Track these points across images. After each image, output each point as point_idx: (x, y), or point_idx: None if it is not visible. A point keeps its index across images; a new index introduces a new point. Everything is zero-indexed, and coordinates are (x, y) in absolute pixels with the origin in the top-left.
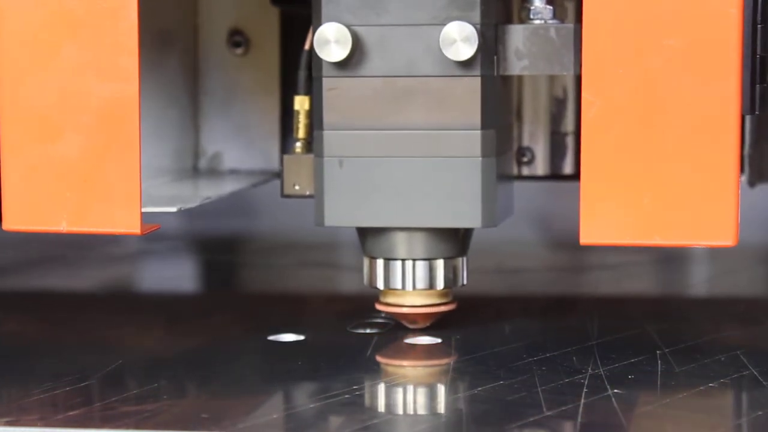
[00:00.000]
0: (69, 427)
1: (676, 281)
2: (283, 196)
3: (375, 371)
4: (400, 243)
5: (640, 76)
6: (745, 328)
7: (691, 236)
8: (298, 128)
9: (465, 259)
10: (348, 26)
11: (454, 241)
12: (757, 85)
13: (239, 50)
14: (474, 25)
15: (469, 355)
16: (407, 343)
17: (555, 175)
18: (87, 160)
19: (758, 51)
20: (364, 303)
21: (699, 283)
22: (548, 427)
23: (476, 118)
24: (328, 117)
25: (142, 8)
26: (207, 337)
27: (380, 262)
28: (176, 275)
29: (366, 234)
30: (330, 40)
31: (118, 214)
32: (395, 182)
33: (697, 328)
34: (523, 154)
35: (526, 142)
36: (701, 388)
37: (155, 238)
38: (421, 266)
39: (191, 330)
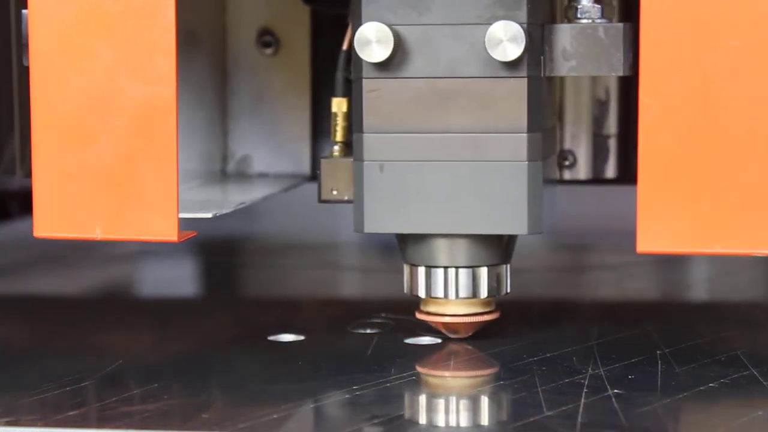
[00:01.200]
0: (69, 427)
1: (677, 281)
2: (321, 201)
3: (375, 371)
4: (442, 250)
5: (700, 77)
6: (745, 329)
7: (753, 244)
8: (335, 131)
9: (509, 266)
10: (389, 26)
11: (498, 248)
12: None
13: (269, 50)
14: (520, 24)
15: (470, 355)
16: (407, 344)
17: (597, 179)
18: (122, 164)
19: None
20: (365, 303)
21: (699, 283)
22: (548, 427)
23: (522, 121)
24: (368, 119)
25: None
26: (207, 338)
27: (421, 270)
28: (176, 275)
29: (407, 240)
30: (371, 40)
31: (154, 221)
32: (437, 187)
33: (697, 329)
34: (565, 158)
35: (567, 145)
36: (701, 388)
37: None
38: (463, 274)
39: (191, 330)
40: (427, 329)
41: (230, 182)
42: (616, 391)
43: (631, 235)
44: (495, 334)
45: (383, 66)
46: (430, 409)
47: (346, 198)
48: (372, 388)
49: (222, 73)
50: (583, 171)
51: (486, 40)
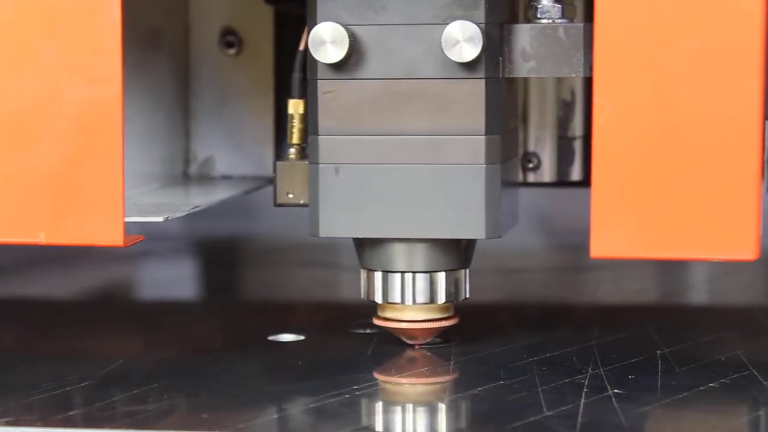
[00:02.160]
0: (69, 427)
1: (676, 282)
2: (276, 204)
3: (375, 371)
4: (399, 255)
5: (656, 78)
6: (745, 329)
7: (708, 250)
8: (292, 133)
9: (467, 271)
10: (345, 26)
11: (456, 253)
12: None
13: (232, 51)
14: (478, 24)
15: (470, 355)
16: (407, 344)
17: (562, 181)
18: (66, 168)
19: None
20: (364, 303)
21: (699, 283)
22: (548, 427)
23: (480, 123)
24: (323, 121)
25: (128, 7)
26: (207, 338)
27: (378, 275)
28: (176, 276)
29: (363, 245)
30: (326, 41)
31: (99, 226)
32: (394, 191)
33: (697, 329)
34: (529, 160)
35: (532, 147)
36: (701, 388)
37: (155, 239)
38: (421, 279)
39: (191, 330)
40: None
41: (192, 185)
42: (616, 391)
43: None
44: (495, 335)
45: (339, 67)
46: (429, 408)
47: (302, 201)
48: (372, 388)
49: (184, 73)
50: (547, 173)
51: (442, 40)
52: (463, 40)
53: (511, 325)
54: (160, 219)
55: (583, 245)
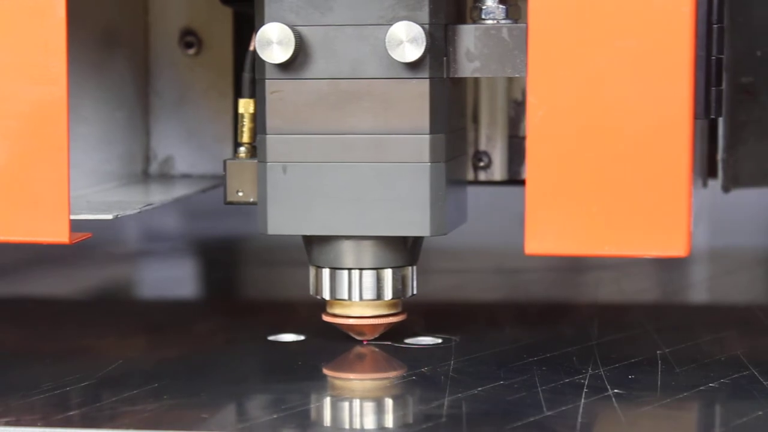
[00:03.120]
0: (69, 427)
1: (676, 282)
2: (227, 203)
3: (376, 371)
4: (347, 252)
5: (588, 78)
6: (745, 329)
7: (641, 247)
8: (242, 132)
9: (414, 268)
10: (291, 26)
11: (403, 250)
12: (713, 88)
13: (191, 51)
14: (422, 25)
15: (470, 355)
16: (408, 344)
17: (513, 180)
18: (11, 166)
19: (714, 52)
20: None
21: (699, 283)
22: (548, 427)
23: (425, 122)
24: (271, 121)
25: (85, 6)
26: (207, 337)
27: (326, 272)
28: (176, 275)
29: (311, 242)
30: (272, 41)
31: (45, 223)
32: (341, 189)
33: (697, 329)
34: (480, 159)
35: (483, 146)
36: (701, 388)
37: (155, 239)
38: (368, 276)
39: (191, 330)
40: (428, 329)
41: (150, 183)
42: (616, 391)
43: None
44: (495, 335)
45: (285, 67)
46: (430, 408)
47: (251, 199)
48: (372, 387)
49: (144, 73)
50: (498, 172)
51: (386, 41)
52: (407, 40)
53: (511, 325)
54: (109, 216)
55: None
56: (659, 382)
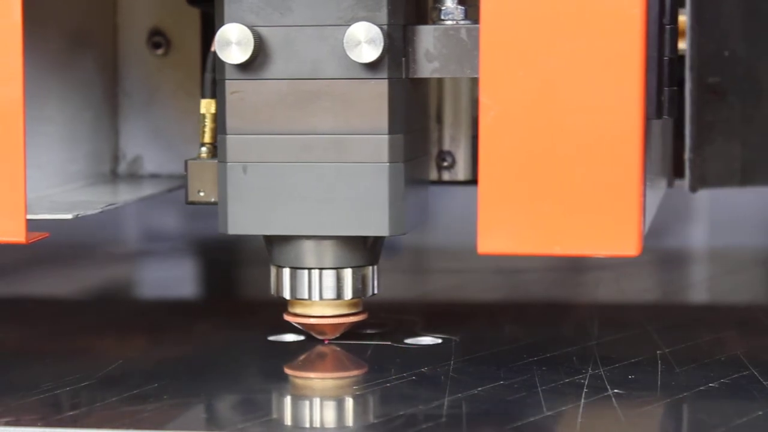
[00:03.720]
0: (69, 427)
1: (676, 281)
2: (188, 202)
3: (375, 371)
4: (307, 252)
5: (540, 79)
6: (745, 329)
7: (593, 246)
8: (204, 132)
9: (375, 267)
10: (251, 27)
11: (363, 250)
12: (666, 89)
13: (160, 51)
14: (380, 26)
15: (470, 355)
16: (407, 344)
17: (476, 180)
18: None
19: (666, 53)
20: (365, 303)
21: (699, 283)
22: (548, 427)
23: (383, 123)
24: (231, 121)
25: (54, 7)
26: (207, 338)
27: (287, 272)
28: (176, 276)
29: (272, 242)
30: (232, 42)
31: (2, 223)
32: (301, 189)
33: (697, 329)
34: (444, 159)
35: (446, 146)
36: (701, 388)
37: (155, 239)
38: (328, 275)
39: (191, 330)
40: (428, 329)
41: (118, 183)
42: (616, 391)
43: None
44: (495, 334)
45: (245, 67)
46: (430, 408)
47: (212, 199)
48: (372, 388)
49: (113, 73)
50: (462, 172)
51: (345, 41)
52: (365, 41)
53: (511, 325)
54: (69, 216)
55: None
56: (659, 382)
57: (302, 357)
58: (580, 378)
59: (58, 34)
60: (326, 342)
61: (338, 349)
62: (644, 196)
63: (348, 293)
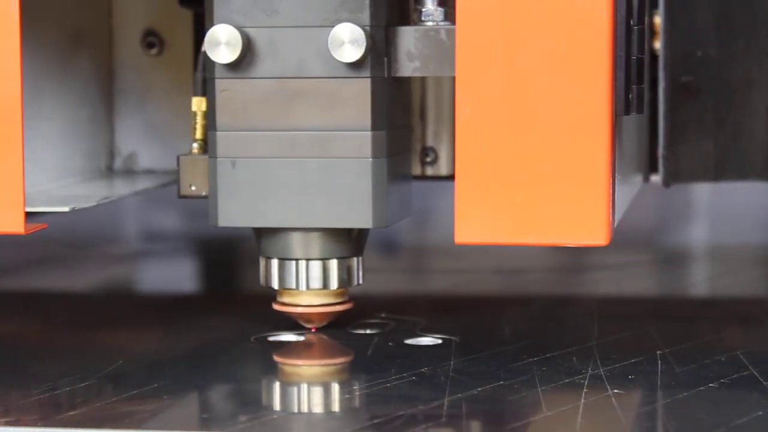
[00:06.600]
0: (69, 427)
1: (676, 281)
2: (180, 196)
3: (375, 371)
4: (294, 243)
5: (513, 77)
6: (745, 329)
7: (564, 236)
8: (195, 129)
9: (360, 259)
10: (239, 28)
11: (348, 241)
12: (634, 86)
13: (153, 51)
14: (363, 26)
15: (470, 355)
16: (408, 344)
17: None
18: None
19: (634, 52)
20: (365, 303)
21: (699, 282)
22: (548, 427)
23: (366, 120)
24: (220, 118)
25: (53, 8)
26: (207, 337)
27: (275, 262)
28: (176, 275)
29: (261, 234)
30: (221, 42)
31: (1, 214)
32: (288, 183)
33: (697, 328)
34: (427, 154)
35: (430, 142)
36: (701, 388)
37: (155, 239)
38: (315, 266)
39: (191, 330)
40: (428, 329)
41: (114, 179)
42: (616, 391)
43: None
44: (495, 334)
45: (234, 67)
46: (430, 407)
47: (203, 193)
48: (372, 388)
49: (108, 72)
50: (444, 167)
51: (329, 42)
52: (348, 41)
53: (511, 325)
54: (66, 209)
55: None
56: (659, 382)
57: (302, 357)
58: (580, 378)
59: (56, 35)
60: (313, 330)
61: (338, 348)
62: (613, 188)
63: (334, 283)
